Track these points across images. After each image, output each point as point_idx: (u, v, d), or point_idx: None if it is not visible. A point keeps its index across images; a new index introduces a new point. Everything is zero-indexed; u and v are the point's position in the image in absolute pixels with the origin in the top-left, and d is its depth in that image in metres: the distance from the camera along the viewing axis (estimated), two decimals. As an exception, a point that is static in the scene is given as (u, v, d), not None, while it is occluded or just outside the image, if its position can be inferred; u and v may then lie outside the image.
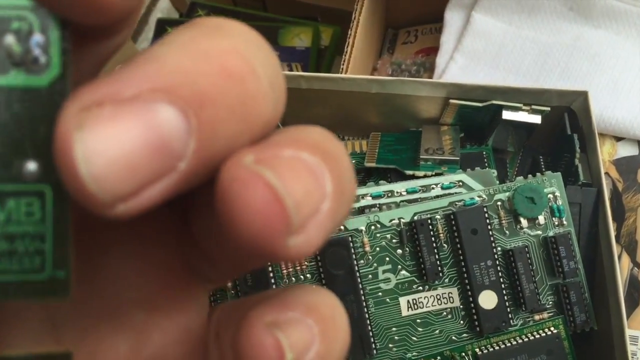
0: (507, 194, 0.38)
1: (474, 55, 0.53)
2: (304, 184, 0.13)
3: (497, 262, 0.37)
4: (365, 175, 0.46)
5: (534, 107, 0.42)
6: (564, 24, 0.53)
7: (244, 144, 0.13)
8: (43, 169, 0.12)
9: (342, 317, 0.15)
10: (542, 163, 0.45)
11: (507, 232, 0.38)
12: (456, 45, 0.53)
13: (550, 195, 0.39)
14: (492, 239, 0.37)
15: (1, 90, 0.12)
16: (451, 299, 0.38)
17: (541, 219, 0.38)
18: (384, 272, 0.38)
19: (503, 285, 0.37)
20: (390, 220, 0.37)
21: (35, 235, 0.13)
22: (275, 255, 0.12)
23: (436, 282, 0.38)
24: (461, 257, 0.37)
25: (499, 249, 0.38)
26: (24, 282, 0.13)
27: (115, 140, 0.11)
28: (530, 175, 0.39)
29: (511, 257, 0.37)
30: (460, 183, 0.40)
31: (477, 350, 0.37)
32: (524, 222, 0.38)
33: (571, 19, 0.53)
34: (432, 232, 0.37)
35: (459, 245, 0.37)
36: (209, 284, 0.18)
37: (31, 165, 0.12)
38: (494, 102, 0.42)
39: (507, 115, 0.42)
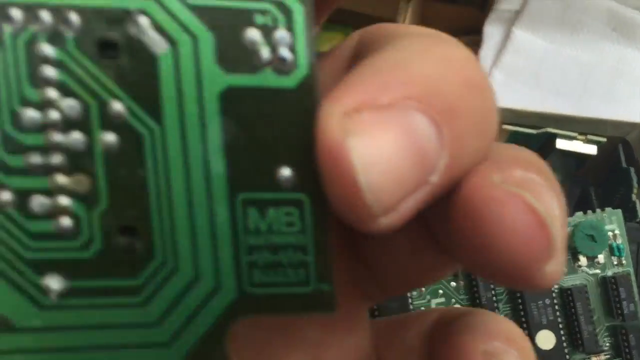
0: (567, 229, 0.39)
1: (514, 72, 0.54)
2: (553, 207, 0.13)
3: (555, 301, 0.38)
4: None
5: (589, 136, 0.43)
6: (606, 44, 0.54)
7: (481, 160, 0.13)
8: (298, 175, 0.13)
9: (531, 348, 0.16)
10: (593, 196, 0.47)
11: (565, 269, 0.39)
12: (495, 61, 0.54)
13: (610, 233, 0.40)
14: None
15: (251, 91, 0.13)
16: (507, 337, 0.38)
17: (601, 257, 0.39)
18: (437, 305, 0.38)
19: (560, 325, 0.38)
20: (449, 251, 0.37)
21: (298, 247, 0.13)
22: (530, 281, 0.13)
23: (491, 318, 0.38)
24: (518, 294, 0.38)
25: (557, 287, 0.39)
26: (291, 296, 0.13)
27: (385, 149, 0.12)
28: (589, 211, 0.40)
29: (570, 297, 0.38)
30: (514, 213, 0.41)
31: (531, 392, 0.38)
32: (582, 260, 0.39)
33: (614, 40, 0.55)
34: (488, 265, 0.38)
35: (516, 281, 0.38)
36: (369, 302, 0.18)
37: (285, 172, 0.13)
38: (549, 129, 0.43)
39: (561, 144, 0.43)
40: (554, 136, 0.44)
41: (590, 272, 0.40)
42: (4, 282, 0.12)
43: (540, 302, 0.38)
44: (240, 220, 0.13)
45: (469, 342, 0.15)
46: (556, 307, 0.38)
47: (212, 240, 0.13)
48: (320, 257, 0.13)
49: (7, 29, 0.12)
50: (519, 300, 0.38)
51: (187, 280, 0.13)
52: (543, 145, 0.45)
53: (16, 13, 0.12)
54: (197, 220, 0.13)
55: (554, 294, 0.38)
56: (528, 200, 0.12)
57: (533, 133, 0.44)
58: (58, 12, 0.12)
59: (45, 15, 0.12)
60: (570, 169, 0.47)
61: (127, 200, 0.12)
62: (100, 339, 0.13)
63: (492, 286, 0.38)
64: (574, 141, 0.44)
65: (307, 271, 0.13)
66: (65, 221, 0.12)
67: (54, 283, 0.12)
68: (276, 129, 0.13)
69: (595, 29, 0.55)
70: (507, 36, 0.55)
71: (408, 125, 0.12)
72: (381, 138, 0.12)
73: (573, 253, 0.39)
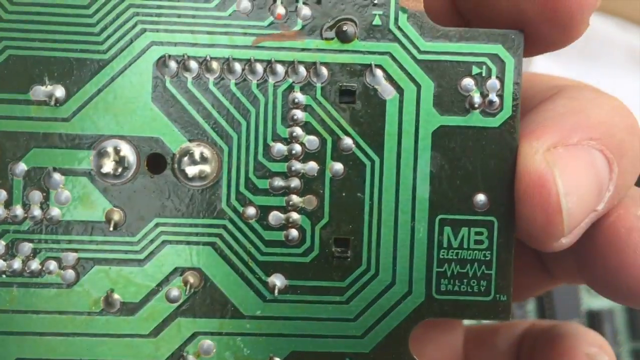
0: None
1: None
2: None
3: (583, 322, 0.42)
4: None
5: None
6: (624, 77, 0.59)
7: (624, 195, 0.17)
8: (491, 201, 0.16)
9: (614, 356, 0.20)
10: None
11: (593, 290, 0.43)
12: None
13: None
14: (579, 296, 0.42)
15: (459, 129, 0.16)
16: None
17: (630, 283, 0.43)
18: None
19: (590, 346, 0.42)
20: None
21: (483, 262, 0.17)
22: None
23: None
24: (547, 314, 0.42)
25: (585, 307, 0.43)
26: (472, 303, 0.17)
27: (578, 180, 0.15)
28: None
29: (596, 318, 0.42)
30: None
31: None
32: (612, 284, 0.43)
33: (632, 73, 0.59)
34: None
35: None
36: None
37: (481, 197, 0.16)
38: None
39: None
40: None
41: (619, 296, 0.43)
42: (238, 278, 0.16)
43: (569, 322, 0.42)
44: (436, 236, 0.16)
45: (573, 346, 0.19)
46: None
47: (410, 253, 0.16)
48: (503, 271, 0.16)
49: (271, 80, 0.16)
50: (549, 319, 0.42)
51: (385, 285, 0.16)
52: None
53: (279, 68, 0.16)
54: (400, 235, 0.16)
55: (583, 315, 0.42)
56: None
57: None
58: (312, 67, 0.16)
59: (302, 70, 0.16)
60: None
61: (345, 218, 0.16)
62: (307, 329, 0.16)
63: (523, 304, 0.42)
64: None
65: (489, 283, 0.16)
66: (293, 232, 0.16)
67: (278, 281, 0.16)
68: (477, 161, 0.16)
69: (614, 61, 0.60)
70: (528, 61, 0.59)
71: (592, 161, 0.15)
72: (575, 171, 0.15)
73: (604, 275, 0.43)
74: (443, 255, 0.16)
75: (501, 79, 0.16)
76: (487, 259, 0.17)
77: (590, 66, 0.60)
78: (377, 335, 0.17)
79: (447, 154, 0.16)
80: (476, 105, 0.16)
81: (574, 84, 0.18)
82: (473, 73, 0.16)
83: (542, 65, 0.59)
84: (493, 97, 0.16)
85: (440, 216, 0.16)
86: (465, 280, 0.17)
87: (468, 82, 0.16)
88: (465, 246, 0.16)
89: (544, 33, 0.16)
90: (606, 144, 0.16)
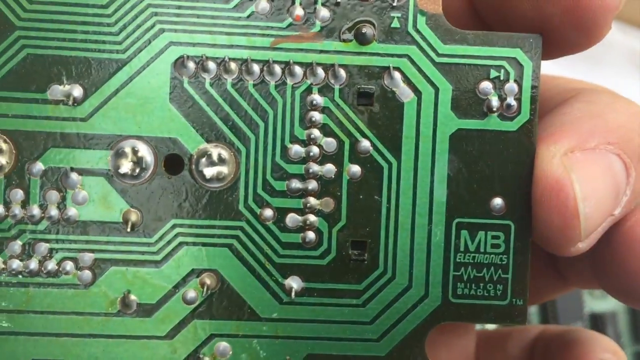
0: None
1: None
2: None
3: (586, 324, 0.42)
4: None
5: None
6: (626, 79, 0.59)
7: None
8: (508, 205, 0.16)
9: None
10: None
11: (596, 293, 0.43)
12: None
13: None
14: (582, 299, 0.42)
15: (477, 132, 0.16)
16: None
17: (632, 285, 0.43)
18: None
19: (591, 348, 0.42)
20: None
21: (500, 265, 0.17)
22: None
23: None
24: (551, 316, 0.42)
25: (587, 309, 0.43)
26: (488, 307, 0.17)
27: (596, 184, 0.15)
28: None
29: (599, 321, 0.42)
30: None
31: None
32: (615, 286, 0.43)
33: (634, 76, 0.59)
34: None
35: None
36: None
37: (498, 201, 0.16)
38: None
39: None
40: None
41: (622, 298, 0.43)
42: (255, 280, 0.16)
43: (572, 324, 0.42)
44: (453, 240, 0.16)
45: (587, 352, 0.19)
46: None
47: (427, 256, 0.16)
48: (519, 275, 0.16)
49: (289, 81, 0.16)
50: (552, 322, 0.42)
51: (401, 288, 0.16)
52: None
53: (298, 70, 0.16)
54: (417, 239, 0.16)
55: (586, 318, 0.42)
56: None
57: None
58: (331, 69, 0.16)
59: (320, 72, 0.16)
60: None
61: (362, 220, 0.16)
62: (323, 332, 0.16)
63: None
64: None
65: (505, 287, 0.16)
66: (310, 235, 0.16)
67: (294, 283, 0.16)
68: (494, 165, 0.16)
69: (614, 64, 0.60)
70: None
71: (609, 166, 0.15)
72: (593, 175, 0.15)
73: (607, 278, 0.43)
74: (460, 258, 0.16)
75: (519, 83, 0.16)
76: (504, 263, 0.17)
77: (591, 69, 0.60)
78: (393, 338, 0.17)
79: (465, 157, 0.16)
80: (494, 109, 0.16)
81: (592, 87, 0.18)
82: (491, 76, 0.16)
83: (543, 67, 0.58)
84: (511, 100, 0.16)
85: (457, 219, 0.16)
86: (481, 284, 0.17)
87: (486, 85, 0.16)
88: (481, 250, 0.16)
89: (566, 36, 0.16)
90: (623, 148, 0.16)
